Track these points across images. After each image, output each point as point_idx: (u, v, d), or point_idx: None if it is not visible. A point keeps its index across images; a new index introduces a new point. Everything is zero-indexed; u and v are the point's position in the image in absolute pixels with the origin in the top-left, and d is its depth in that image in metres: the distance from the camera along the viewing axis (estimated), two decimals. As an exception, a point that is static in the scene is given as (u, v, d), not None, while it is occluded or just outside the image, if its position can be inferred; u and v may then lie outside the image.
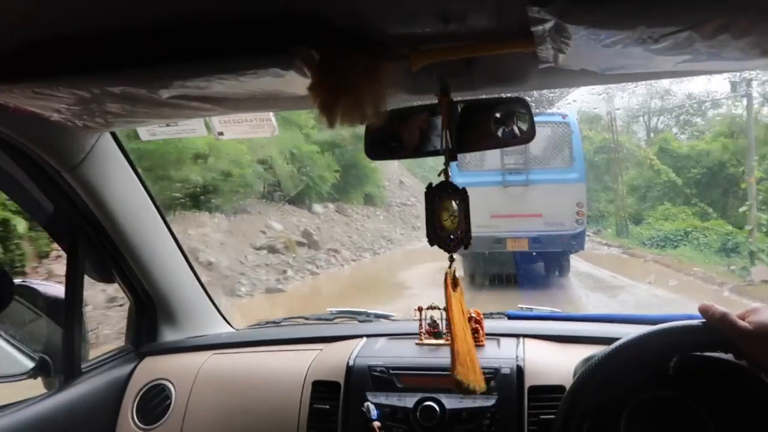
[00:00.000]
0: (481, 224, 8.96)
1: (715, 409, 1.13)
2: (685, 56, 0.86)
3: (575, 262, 11.33)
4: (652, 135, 23.64)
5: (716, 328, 0.97)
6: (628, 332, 1.06)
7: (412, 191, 25.42)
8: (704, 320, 0.99)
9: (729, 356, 1.03)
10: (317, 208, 16.03)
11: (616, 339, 1.06)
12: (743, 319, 0.95)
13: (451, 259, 1.12)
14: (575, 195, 9.57)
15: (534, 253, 9.72)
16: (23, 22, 0.93)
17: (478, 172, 9.24)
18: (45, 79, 0.95)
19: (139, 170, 1.63)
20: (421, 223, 21.46)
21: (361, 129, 1.15)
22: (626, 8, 0.76)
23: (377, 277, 13.02)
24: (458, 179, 8.90)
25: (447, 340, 1.61)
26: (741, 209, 12.71)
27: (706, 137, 19.47)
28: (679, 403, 1.16)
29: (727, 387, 1.12)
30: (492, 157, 9.09)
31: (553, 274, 10.55)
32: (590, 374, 1.05)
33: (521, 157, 9.35)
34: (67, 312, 1.57)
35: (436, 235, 1.11)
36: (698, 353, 1.10)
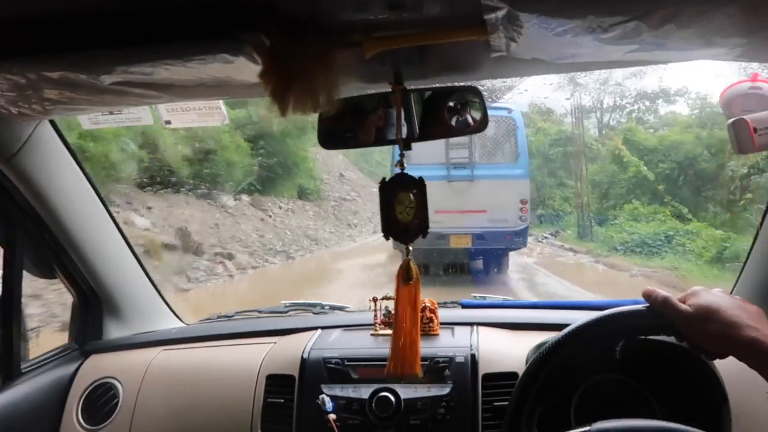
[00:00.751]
0: None
1: (660, 389, 1.19)
2: (633, 46, 0.89)
3: (540, 276, 11.17)
4: (604, 132, 22.81)
5: (659, 312, 0.99)
6: (577, 318, 1.08)
7: (354, 185, 24.21)
8: (648, 305, 1.02)
9: (672, 339, 1.07)
10: (226, 200, 13.61)
11: (566, 325, 1.08)
12: (684, 303, 0.98)
13: (408, 250, 1.12)
14: (519, 191, 9.54)
15: (473, 250, 9.65)
16: None
17: (423, 166, 8.90)
18: None
19: (81, 160, 1.56)
20: (359, 219, 19.70)
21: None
22: None
23: (270, 296, 8.62)
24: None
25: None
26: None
27: (674, 129, 17.96)
28: (626, 385, 1.21)
29: (670, 368, 1.17)
30: (437, 151, 8.98)
31: (492, 271, 10.38)
32: (542, 360, 1.06)
33: (466, 152, 9.30)
34: (5, 310, 1.49)
35: (391, 228, 1.11)
36: (642, 337, 1.14)
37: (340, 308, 2.01)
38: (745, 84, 1.24)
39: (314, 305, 2.01)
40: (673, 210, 14.46)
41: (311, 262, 13.76)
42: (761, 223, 1.52)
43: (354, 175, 25.82)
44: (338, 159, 25.12)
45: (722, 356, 0.99)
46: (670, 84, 21.22)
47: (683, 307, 0.96)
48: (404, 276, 1.11)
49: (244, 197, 14.68)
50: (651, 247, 13.07)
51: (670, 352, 1.14)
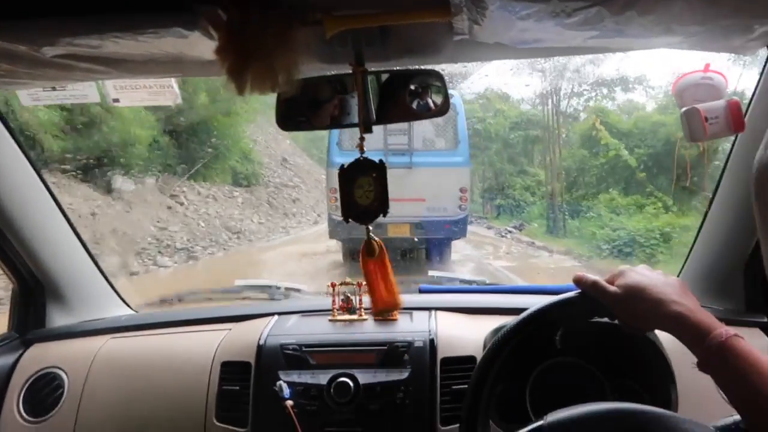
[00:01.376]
0: None
1: (610, 370, 1.23)
2: (594, 32, 0.89)
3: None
4: (570, 112, 20.69)
5: (590, 296, 1.02)
6: (534, 303, 1.10)
7: (299, 171, 22.52)
8: (579, 291, 1.05)
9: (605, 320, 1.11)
10: (121, 183, 11.10)
11: (522, 310, 1.09)
12: (612, 284, 1.01)
13: (368, 229, 1.18)
14: (459, 179, 9.29)
15: (415, 239, 9.30)
16: None
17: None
18: None
19: (20, 139, 1.47)
20: (298, 208, 18.62)
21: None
22: None
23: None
24: (338, 159, 8.75)
25: (360, 315, 1.60)
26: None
27: (646, 112, 16.06)
28: (578, 367, 1.25)
29: (619, 349, 1.22)
30: (375, 136, 8.31)
31: (435, 260, 9.98)
32: (500, 344, 1.07)
33: (405, 138, 8.97)
34: None
35: (351, 211, 1.13)
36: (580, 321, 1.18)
37: (296, 290, 1.99)
38: (697, 74, 1.27)
39: (268, 287, 1.98)
40: (657, 201, 12.35)
41: (222, 263, 11.07)
42: (706, 212, 1.58)
43: (301, 160, 24.32)
44: (285, 143, 23.76)
45: (649, 330, 1.06)
46: (629, 72, 19.58)
47: (612, 288, 1.00)
48: (367, 251, 1.17)
49: (148, 180, 12.12)
50: (644, 247, 10.89)
51: (608, 332, 1.17)
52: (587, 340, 1.24)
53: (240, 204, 15.47)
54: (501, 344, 1.07)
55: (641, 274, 0.99)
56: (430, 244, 9.70)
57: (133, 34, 0.84)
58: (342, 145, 8.63)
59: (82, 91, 1.38)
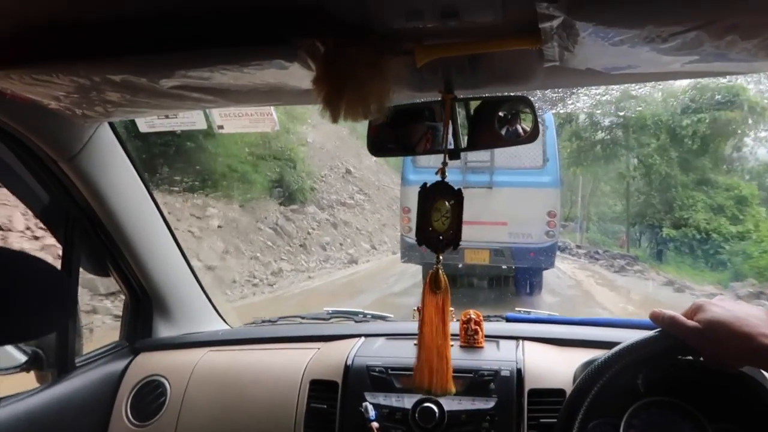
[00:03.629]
0: None
1: (713, 412, 1.14)
2: (693, 57, 0.86)
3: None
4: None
5: (669, 333, 0.97)
6: (624, 336, 1.06)
7: (363, 185, 19.85)
8: (659, 329, 1.00)
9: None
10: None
11: (614, 344, 1.06)
12: (691, 319, 0.95)
13: (439, 259, 1.11)
14: (546, 202, 8.29)
15: (503, 267, 8.36)
16: (23, 6, 0.91)
17: (435, 168, 7.65)
18: (44, 65, 0.93)
19: (137, 162, 1.61)
20: (354, 237, 16.43)
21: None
22: (635, 6, 0.75)
23: None
24: (412, 176, 8.22)
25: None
26: None
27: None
28: (674, 405, 1.17)
29: (722, 389, 1.13)
30: None
31: (523, 291, 9.10)
32: (592, 378, 1.04)
33: (486, 155, 8.16)
34: None
35: (426, 235, 1.10)
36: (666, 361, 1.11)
37: (382, 317, 2.01)
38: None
39: (356, 313, 2.02)
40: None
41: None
42: None
43: (372, 177, 21.36)
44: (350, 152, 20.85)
45: (740, 367, 0.98)
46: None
47: (692, 324, 0.95)
48: (432, 285, 1.10)
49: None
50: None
51: (700, 370, 1.10)
52: (689, 377, 1.16)
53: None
54: (594, 377, 1.04)
55: (722, 307, 0.94)
56: (519, 274, 8.78)
57: (239, 66, 0.91)
58: (417, 162, 8.15)
59: (191, 119, 1.50)
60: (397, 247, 12.05)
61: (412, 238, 8.03)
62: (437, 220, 1.08)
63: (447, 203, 1.09)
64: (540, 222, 8.32)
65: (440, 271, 1.10)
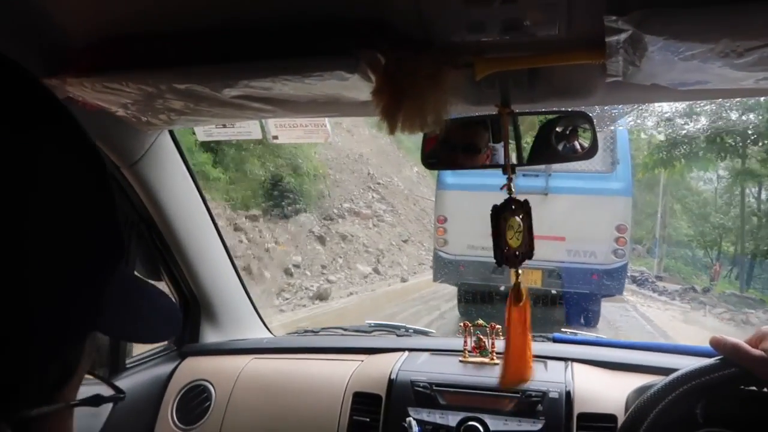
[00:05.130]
0: (476, 245, 6.42)
1: None
2: None
3: None
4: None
5: (732, 361, 0.92)
6: (680, 363, 1.02)
7: (387, 192, 16.51)
8: (720, 357, 0.95)
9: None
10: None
11: (669, 370, 1.02)
12: (756, 347, 0.90)
13: (517, 274, 1.12)
14: (615, 214, 6.82)
15: (553, 291, 6.87)
16: (96, 20, 0.96)
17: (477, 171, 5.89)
18: (115, 74, 0.97)
19: (193, 170, 1.65)
20: (353, 257, 11.92)
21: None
22: (710, 19, 0.73)
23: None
24: (450, 179, 6.99)
25: (492, 359, 1.57)
26: None
27: None
28: None
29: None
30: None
31: (575, 321, 7.42)
32: (648, 405, 1.00)
33: None
34: None
35: (503, 254, 1.11)
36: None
37: (424, 332, 2.00)
38: None
39: (398, 327, 2.01)
40: None
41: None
42: None
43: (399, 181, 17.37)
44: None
45: None
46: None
47: (757, 352, 0.90)
48: (515, 297, 1.12)
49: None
50: None
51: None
52: (746, 410, 1.10)
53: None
54: (650, 404, 1.00)
55: None
56: (569, 300, 7.11)
57: (300, 77, 0.92)
58: None
59: (247, 129, 1.53)
60: (414, 271, 11.30)
61: (448, 253, 7.39)
62: (511, 237, 1.09)
63: (518, 218, 1.09)
64: (607, 238, 6.88)
65: (521, 285, 1.13)
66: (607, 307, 8.31)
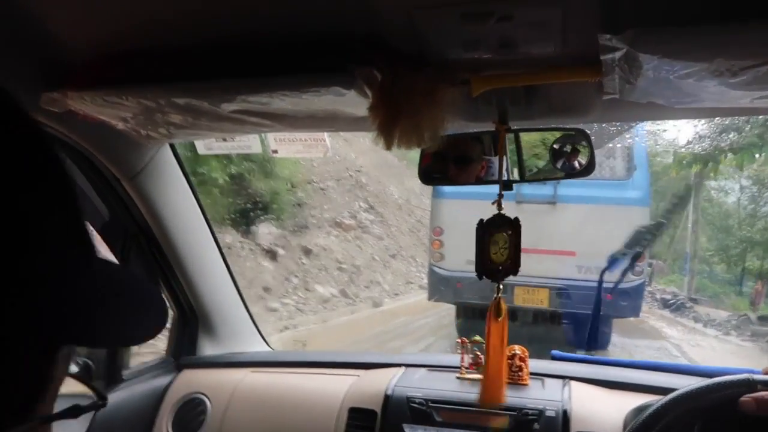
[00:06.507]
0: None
1: None
2: (765, 92, 0.83)
3: None
4: None
5: (732, 382, 0.93)
6: (679, 383, 1.01)
7: (376, 201, 14.33)
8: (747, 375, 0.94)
9: None
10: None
11: (667, 389, 1.01)
12: None
13: (499, 288, 1.13)
14: (632, 226, 5.63)
15: (552, 312, 6.22)
16: (97, 35, 0.97)
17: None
18: (115, 88, 0.98)
19: (194, 184, 1.66)
20: (316, 276, 9.72)
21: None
22: (704, 38, 0.73)
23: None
24: (448, 188, 6.21)
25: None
26: None
27: None
28: None
29: None
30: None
31: (580, 341, 6.25)
32: (646, 425, 0.99)
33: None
34: None
35: (485, 268, 1.12)
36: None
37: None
38: None
39: None
40: None
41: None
42: None
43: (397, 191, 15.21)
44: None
45: None
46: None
47: None
48: (495, 312, 1.13)
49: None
50: None
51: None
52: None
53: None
54: (648, 424, 0.99)
55: None
56: (576, 321, 6.21)
57: (298, 93, 0.93)
58: None
59: (247, 143, 1.53)
60: (396, 292, 10.36)
61: (445, 269, 6.82)
62: (495, 252, 1.10)
63: (505, 234, 1.10)
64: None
65: (501, 301, 1.14)
66: (641, 347, 7.28)
